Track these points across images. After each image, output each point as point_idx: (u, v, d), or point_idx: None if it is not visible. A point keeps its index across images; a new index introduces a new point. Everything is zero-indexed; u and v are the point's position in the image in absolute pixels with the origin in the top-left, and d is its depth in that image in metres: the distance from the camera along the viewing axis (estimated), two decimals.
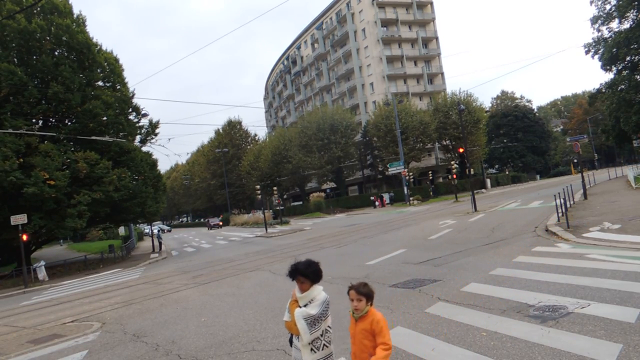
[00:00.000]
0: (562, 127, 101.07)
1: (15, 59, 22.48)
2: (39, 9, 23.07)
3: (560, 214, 13.71)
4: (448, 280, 7.80)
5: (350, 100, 67.61)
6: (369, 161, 56.81)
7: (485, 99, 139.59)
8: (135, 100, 27.31)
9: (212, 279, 12.58)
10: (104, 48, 25.73)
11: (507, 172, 74.78)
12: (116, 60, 25.97)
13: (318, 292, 3.21)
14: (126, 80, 26.76)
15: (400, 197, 46.09)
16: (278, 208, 47.81)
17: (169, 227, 78.63)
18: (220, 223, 57.02)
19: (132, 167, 24.87)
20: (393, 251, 12.41)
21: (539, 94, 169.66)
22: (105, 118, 23.41)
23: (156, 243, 31.49)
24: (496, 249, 10.47)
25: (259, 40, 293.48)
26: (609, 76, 34.63)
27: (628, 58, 31.64)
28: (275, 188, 42.37)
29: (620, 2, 30.57)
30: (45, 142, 21.87)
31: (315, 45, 76.60)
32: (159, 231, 38.37)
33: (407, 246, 13.12)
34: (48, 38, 22.62)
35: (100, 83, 25.49)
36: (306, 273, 3.18)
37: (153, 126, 27.91)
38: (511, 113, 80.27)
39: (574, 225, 12.29)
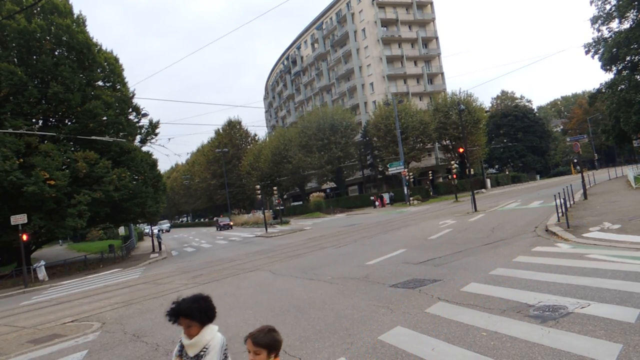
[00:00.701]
0: (562, 127, 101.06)
1: (15, 59, 22.48)
2: (39, 9, 23.06)
3: (560, 214, 13.71)
4: (448, 280, 7.80)
5: (350, 100, 67.61)
6: (369, 161, 56.83)
7: (485, 99, 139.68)
8: (135, 100, 27.34)
9: (212, 279, 12.58)
10: (104, 48, 25.74)
11: (507, 172, 74.79)
12: (116, 60, 25.97)
13: (212, 334, 2.50)
14: (126, 80, 26.78)
15: (400, 197, 46.10)
16: (278, 208, 47.82)
17: (167, 228, 77.73)
18: (231, 223, 50.01)
19: (132, 167, 24.86)
20: (393, 251, 12.41)
21: (539, 94, 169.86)
22: (105, 118, 23.41)
23: (156, 243, 31.50)
24: (496, 249, 10.47)
25: (260, 41, 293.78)
26: (609, 76, 34.70)
27: (628, 58, 31.65)
28: (275, 188, 42.38)
29: (620, 2, 30.58)
30: (45, 142, 21.88)
31: (315, 45, 76.60)
32: (159, 231, 38.43)
33: (407, 246, 13.12)
34: (48, 38, 22.62)
35: (100, 83, 25.49)
36: (191, 313, 2.43)
37: (153, 126, 27.91)
38: (511, 113, 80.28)
39: (574, 225, 12.29)
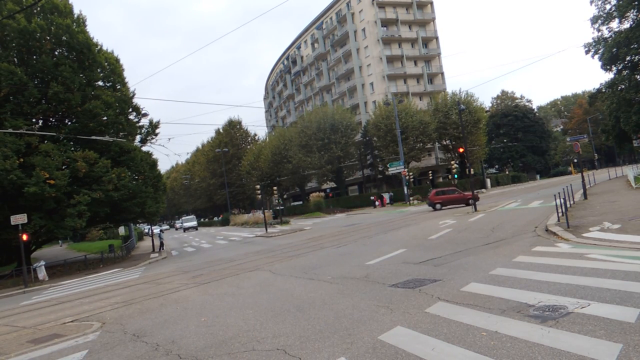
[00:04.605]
0: (562, 127, 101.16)
1: (15, 59, 22.48)
2: (39, 8, 23.06)
3: (560, 214, 13.72)
4: (448, 280, 7.80)
5: (350, 100, 67.63)
6: (369, 161, 56.85)
7: (485, 99, 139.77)
8: (135, 100, 27.37)
9: (212, 279, 12.58)
10: (105, 48, 25.74)
11: (507, 172, 74.83)
12: (117, 60, 25.96)
13: None
14: (127, 80, 26.78)
15: (400, 197, 46.12)
16: (278, 208, 47.82)
17: (194, 225, 64.11)
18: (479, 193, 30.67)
19: (132, 167, 24.85)
20: (393, 251, 12.41)
21: (539, 94, 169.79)
22: (105, 118, 23.40)
23: (156, 243, 31.46)
24: (496, 249, 10.47)
25: (260, 41, 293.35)
26: (609, 76, 34.71)
27: (628, 58, 31.65)
28: (275, 188, 42.38)
29: (620, 2, 30.58)
30: (46, 141, 21.88)
31: (315, 45, 76.61)
32: (160, 231, 38.49)
33: (407, 246, 13.12)
34: (48, 38, 22.61)
35: (100, 83, 25.49)
36: None
37: (153, 126, 27.91)
38: (511, 113, 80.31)
39: (574, 225, 12.29)
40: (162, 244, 31.60)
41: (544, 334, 4.67)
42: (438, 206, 28.86)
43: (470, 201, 26.98)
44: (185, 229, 61.97)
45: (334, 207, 51.10)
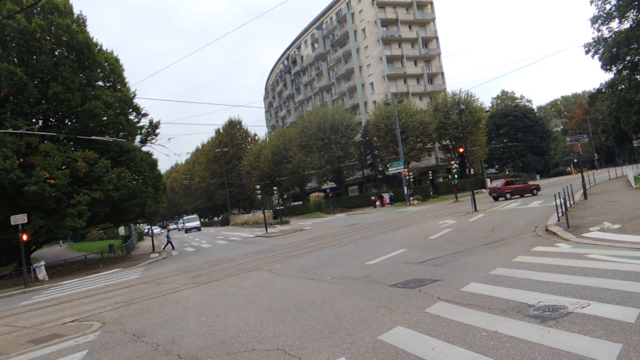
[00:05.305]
0: (562, 127, 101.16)
1: (15, 59, 22.47)
2: (39, 8, 23.06)
3: (560, 214, 13.72)
4: (448, 280, 7.80)
5: (350, 100, 67.62)
6: (369, 161, 56.84)
7: (485, 99, 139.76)
8: (136, 100, 27.38)
9: (212, 279, 12.58)
10: (105, 48, 25.74)
11: (507, 172, 74.84)
12: (116, 60, 25.96)
13: None
14: (127, 80, 26.77)
15: (400, 197, 46.10)
16: (278, 208, 47.82)
17: (197, 225, 59.16)
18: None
19: (132, 167, 24.85)
20: (393, 251, 12.41)
21: (539, 94, 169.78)
22: (105, 118, 23.40)
23: (156, 243, 31.48)
24: (496, 249, 10.47)
25: (261, 41, 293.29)
26: (609, 76, 34.72)
27: (628, 58, 31.66)
28: (275, 188, 42.39)
29: (620, 2, 30.59)
30: (46, 141, 21.88)
31: (315, 45, 76.61)
32: (167, 231, 38.75)
33: (407, 246, 13.12)
34: (48, 38, 22.62)
35: (100, 83, 25.49)
36: None
37: (153, 126, 27.92)
38: (511, 113, 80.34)
39: (574, 225, 12.29)
40: (169, 243, 31.68)
41: (544, 334, 4.67)
42: (508, 195, 30.90)
43: (535, 191, 31.02)
44: (187, 230, 57.84)
45: (334, 207, 51.08)
